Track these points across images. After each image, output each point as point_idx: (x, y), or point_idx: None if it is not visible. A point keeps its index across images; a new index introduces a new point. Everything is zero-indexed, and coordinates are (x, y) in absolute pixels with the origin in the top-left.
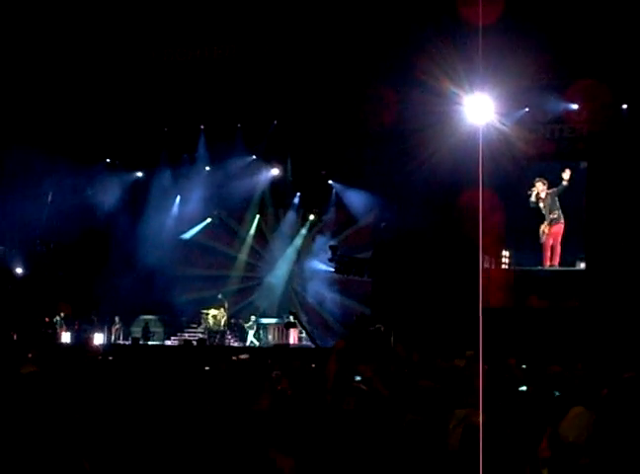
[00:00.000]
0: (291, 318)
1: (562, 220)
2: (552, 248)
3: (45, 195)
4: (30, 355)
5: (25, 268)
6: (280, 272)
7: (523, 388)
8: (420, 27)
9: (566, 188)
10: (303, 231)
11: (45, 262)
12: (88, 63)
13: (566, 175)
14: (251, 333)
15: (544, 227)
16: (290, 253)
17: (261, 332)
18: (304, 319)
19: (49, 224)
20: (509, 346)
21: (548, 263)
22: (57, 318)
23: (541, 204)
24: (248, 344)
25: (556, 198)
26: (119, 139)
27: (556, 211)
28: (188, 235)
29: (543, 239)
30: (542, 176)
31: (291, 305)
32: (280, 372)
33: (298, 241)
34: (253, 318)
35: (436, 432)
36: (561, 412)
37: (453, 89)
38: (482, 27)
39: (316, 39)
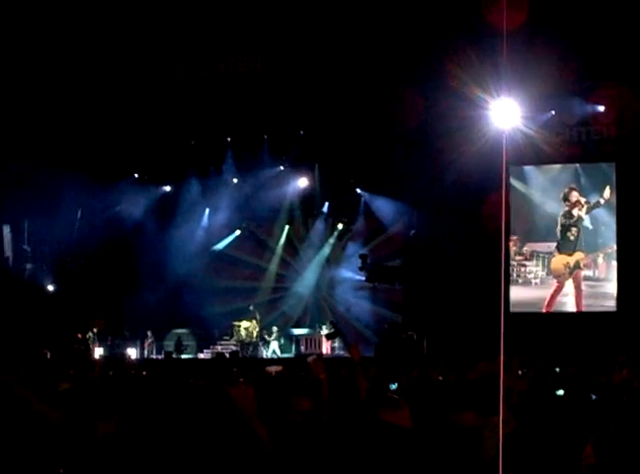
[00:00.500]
0: (324, 328)
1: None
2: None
3: (75, 212)
4: (71, 372)
5: (56, 285)
6: (309, 282)
7: (560, 392)
8: (446, 32)
9: (598, 207)
10: (332, 240)
11: (76, 278)
12: (116, 81)
13: (606, 193)
14: (274, 345)
15: (566, 257)
16: (320, 262)
17: (291, 343)
18: (330, 329)
19: (79, 241)
20: (545, 350)
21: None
22: (90, 334)
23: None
24: (270, 355)
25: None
26: (146, 154)
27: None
28: (220, 246)
29: (559, 271)
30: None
31: (323, 315)
32: (316, 357)
33: (328, 250)
34: (275, 329)
35: (471, 438)
36: (599, 417)
37: (479, 93)
38: (507, 31)
39: (342, 46)
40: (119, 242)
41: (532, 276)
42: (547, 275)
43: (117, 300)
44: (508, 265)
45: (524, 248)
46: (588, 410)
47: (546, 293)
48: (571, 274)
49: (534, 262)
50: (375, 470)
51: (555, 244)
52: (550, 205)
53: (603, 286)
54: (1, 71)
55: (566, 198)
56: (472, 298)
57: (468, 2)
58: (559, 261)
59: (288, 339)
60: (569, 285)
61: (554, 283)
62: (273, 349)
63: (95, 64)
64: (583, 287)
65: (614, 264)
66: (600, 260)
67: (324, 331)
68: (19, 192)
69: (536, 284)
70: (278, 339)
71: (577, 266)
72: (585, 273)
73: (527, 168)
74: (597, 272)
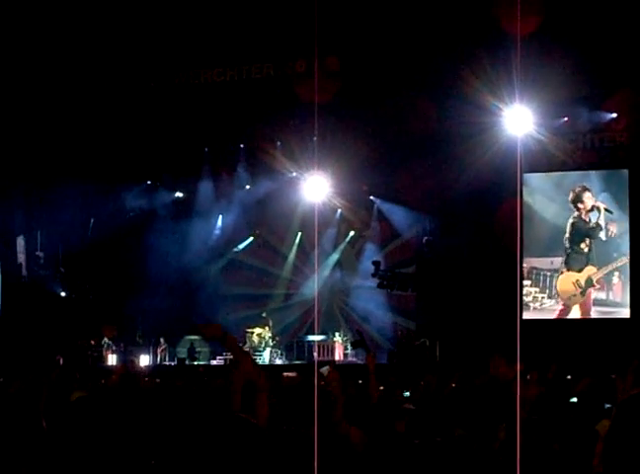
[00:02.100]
0: (337, 335)
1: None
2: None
3: (88, 219)
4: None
5: (69, 291)
6: (322, 288)
7: (574, 400)
8: (459, 38)
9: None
10: (345, 247)
11: (89, 285)
12: (125, 89)
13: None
14: (267, 352)
15: (575, 274)
16: (332, 269)
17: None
18: (350, 336)
19: (92, 249)
20: (557, 357)
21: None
22: (106, 340)
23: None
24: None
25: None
26: (159, 161)
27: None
28: (240, 247)
29: (569, 292)
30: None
31: (336, 322)
32: (330, 367)
33: (340, 257)
34: (268, 336)
35: (483, 447)
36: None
37: (493, 100)
38: (520, 38)
39: (353, 52)
40: (131, 248)
41: (531, 298)
42: (549, 297)
43: (129, 306)
44: (522, 271)
45: (522, 264)
46: (601, 418)
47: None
48: (583, 294)
49: (533, 281)
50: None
51: (562, 259)
52: (554, 212)
53: (618, 313)
54: (9, 83)
55: (578, 200)
56: (485, 305)
57: (481, 9)
58: (567, 279)
59: (300, 346)
60: (575, 311)
61: (558, 308)
62: (263, 357)
63: (105, 74)
64: (592, 313)
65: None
66: (616, 279)
67: (337, 338)
68: (32, 203)
69: (535, 309)
70: (273, 346)
71: (589, 283)
72: (596, 295)
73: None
74: (611, 294)
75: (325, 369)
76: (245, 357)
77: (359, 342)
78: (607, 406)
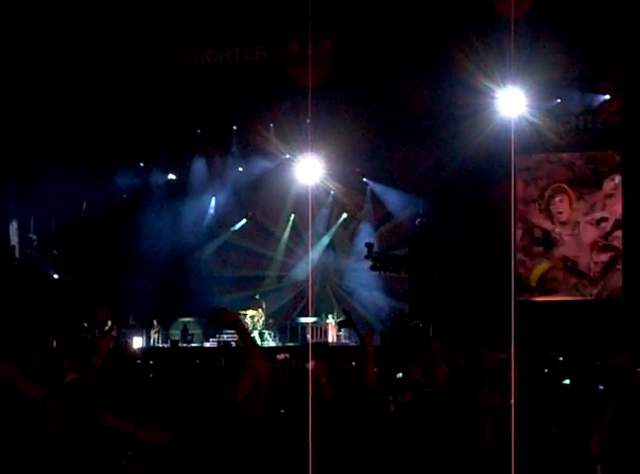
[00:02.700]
0: (331, 317)
1: None
2: None
3: (81, 201)
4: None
5: (62, 273)
6: (315, 270)
7: (567, 382)
8: (452, 20)
9: None
10: (338, 229)
11: (82, 267)
12: (118, 72)
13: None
14: (256, 333)
15: None
16: (325, 251)
17: (266, 333)
18: (343, 317)
19: (85, 231)
20: (549, 340)
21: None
22: (109, 324)
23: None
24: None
25: None
26: (152, 142)
27: None
28: (237, 227)
29: None
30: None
31: (329, 304)
32: (318, 359)
33: (333, 239)
34: (255, 319)
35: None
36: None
37: (486, 82)
38: (514, 20)
39: (346, 34)
40: (124, 231)
41: None
42: None
43: (122, 289)
44: (516, 252)
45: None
46: (595, 399)
47: None
48: None
49: None
50: (385, 459)
51: None
52: None
53: None
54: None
55: None
56: (479, 286)
57: None
58: None
59: (293, 328)
60: None
61: None
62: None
63: (98, 56)
64: None
65: None
66: None
67: (330, 320)
68: (25, 185)
69: None
70: (266, 328)
71: None
72: None
73: None
74: None
75: (314, 363)
76: (256, 350)
77: (345, 321)
78: (601, 387)
